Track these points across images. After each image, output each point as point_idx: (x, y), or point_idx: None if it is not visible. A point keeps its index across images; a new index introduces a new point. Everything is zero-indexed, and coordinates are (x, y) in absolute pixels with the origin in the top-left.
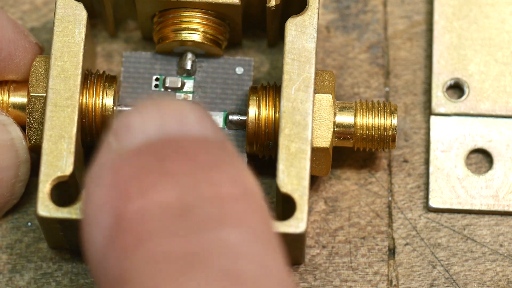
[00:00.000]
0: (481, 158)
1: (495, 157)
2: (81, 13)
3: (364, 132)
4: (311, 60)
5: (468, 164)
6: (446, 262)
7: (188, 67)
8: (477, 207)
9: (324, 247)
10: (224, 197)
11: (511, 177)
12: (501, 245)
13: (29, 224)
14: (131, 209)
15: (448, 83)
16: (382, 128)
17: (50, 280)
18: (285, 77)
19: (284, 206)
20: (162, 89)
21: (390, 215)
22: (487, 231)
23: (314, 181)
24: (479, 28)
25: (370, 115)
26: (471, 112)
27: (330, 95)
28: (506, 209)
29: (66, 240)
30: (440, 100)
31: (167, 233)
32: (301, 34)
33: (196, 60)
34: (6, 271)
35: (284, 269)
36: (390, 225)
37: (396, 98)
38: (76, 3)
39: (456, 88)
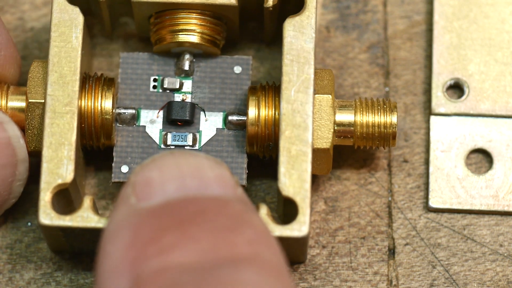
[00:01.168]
0: (481, 158)
1: (495, 157)
2: (78, 17)
3: (364, 130)
4: (310, 60)
5: (468, 164)
6: (446, 262)
7: (186, 67)
8: (477, 207)
9: (324, 247)
10: (242, 259)
11: (511, 177)
12: (501, 245)
13: (29, 224)
14: (150, 269)
15: (448, 83)
16: (382, 126)
17: (50, 280)
18: (284, 78)
19: (285, 209)
20: (161, 90)
21: (390, 215)
22: (487, 231)
23: (314, 181)
24: (479, 28)
25: (370, 113)
26: (471, 112)
27: (330, 95)
28: (506, 209)
29: (68, 244)
30: (440, 100)
31: None
32: (299, 35)
33: (194, 60)
34: (6, 271)
35: None
36: (390, 225)
37: (396, 98)
38: (72, 7)
39: (456, 88)
